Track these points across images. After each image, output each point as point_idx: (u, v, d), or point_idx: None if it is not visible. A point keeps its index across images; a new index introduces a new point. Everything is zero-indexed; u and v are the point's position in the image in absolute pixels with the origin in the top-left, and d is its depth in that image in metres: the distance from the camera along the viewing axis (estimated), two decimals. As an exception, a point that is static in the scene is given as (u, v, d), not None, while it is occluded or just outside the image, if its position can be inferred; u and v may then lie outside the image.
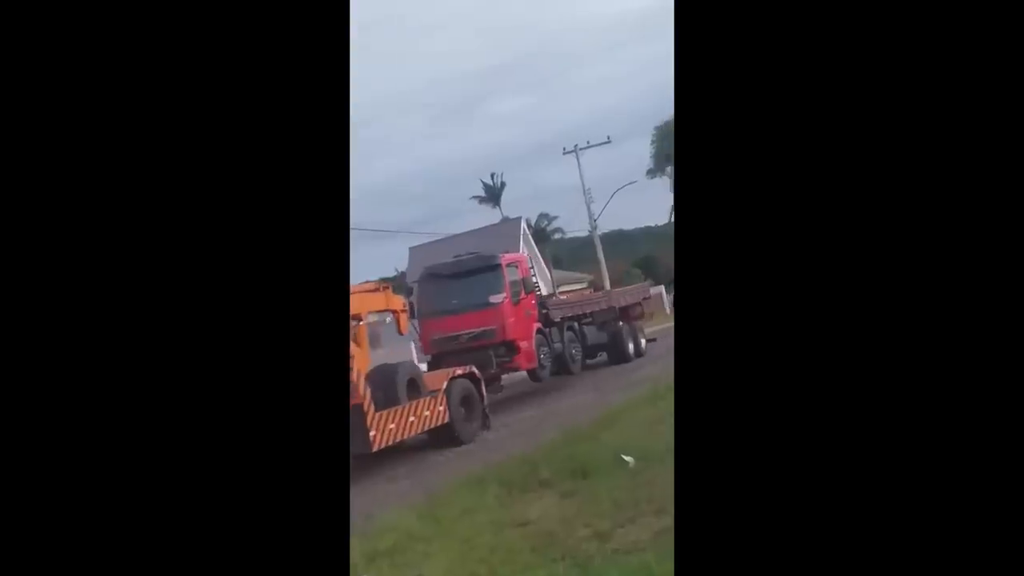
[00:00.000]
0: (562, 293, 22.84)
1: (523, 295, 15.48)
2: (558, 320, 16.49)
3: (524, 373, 16.19)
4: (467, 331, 14.93)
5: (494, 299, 15.00)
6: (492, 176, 54.55)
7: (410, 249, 35.25)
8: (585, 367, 18.00)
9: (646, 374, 15.17)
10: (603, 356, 19.13)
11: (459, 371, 12.50)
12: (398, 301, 13.48)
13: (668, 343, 15.93)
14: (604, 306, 19.21)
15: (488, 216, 49.18)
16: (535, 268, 35.45)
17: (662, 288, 38.00)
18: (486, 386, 13.89)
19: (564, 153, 38.31)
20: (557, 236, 52.18)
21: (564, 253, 49.81)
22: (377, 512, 7.94)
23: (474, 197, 54.70)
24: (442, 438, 11.67)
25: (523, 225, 39.35)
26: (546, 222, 51.66)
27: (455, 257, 16.72)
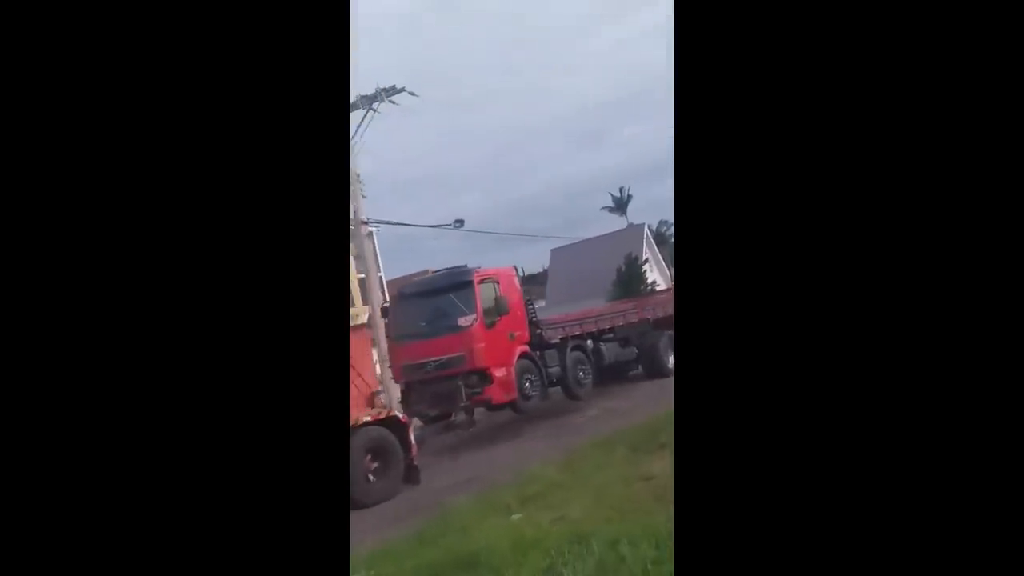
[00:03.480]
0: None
1: (500, 317, 12.07)
2: (556, 341, 13.15)
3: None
4: (433, 358, 11.83)
5: (463, 322, 11.79)
6: (620, 190, 54.40)
7: (552, 250, 35.85)
8: (626, 380, 15.02)
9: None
10: (639, 370, 15.47)
11: (368, 418, 9.33)
12: None
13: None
14: (633, 318, 15.52)
15: (616, 223, 49.03)
16: (654, 266, 35.29)
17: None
18: (467, 413, 11.87)
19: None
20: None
21: (683, 255, 48.90)
22: (524, 466, 8.52)
23: (604, 207, 54.70)
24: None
25: (646, 230, 39.17)
26: (666, 227, 51.06)
27: (432, 272, 13.80)
